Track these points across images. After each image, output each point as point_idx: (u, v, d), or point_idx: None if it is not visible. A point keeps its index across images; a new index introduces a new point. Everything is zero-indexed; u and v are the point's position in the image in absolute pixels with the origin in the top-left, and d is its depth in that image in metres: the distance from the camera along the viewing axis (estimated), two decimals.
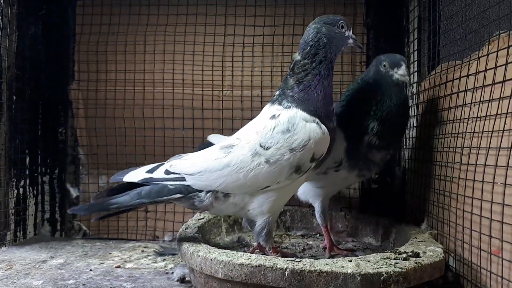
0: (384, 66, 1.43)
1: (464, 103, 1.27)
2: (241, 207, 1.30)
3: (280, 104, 1.29)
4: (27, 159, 1.89)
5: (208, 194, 1.27)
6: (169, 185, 1.27)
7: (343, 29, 1.30)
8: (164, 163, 1.32)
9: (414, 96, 1.72)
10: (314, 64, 1.27)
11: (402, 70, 1.40)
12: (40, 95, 1.96)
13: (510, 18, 1.09)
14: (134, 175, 1.30)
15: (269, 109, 1.31)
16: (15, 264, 1.50)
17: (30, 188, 1.91)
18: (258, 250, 1.38)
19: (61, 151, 2.01)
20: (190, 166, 1.27)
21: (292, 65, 1.31)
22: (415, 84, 1.73)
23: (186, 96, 1.97)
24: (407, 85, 1.47)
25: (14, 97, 1.80)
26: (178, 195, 1.28)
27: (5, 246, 1.74)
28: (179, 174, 1.27)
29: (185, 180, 1.26)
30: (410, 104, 1.76)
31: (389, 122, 1.42)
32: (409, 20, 1.81)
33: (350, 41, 1.33)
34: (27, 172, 1.89)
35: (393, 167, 1.87)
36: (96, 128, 1.99)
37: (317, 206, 1.56)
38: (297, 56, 1.31)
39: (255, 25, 1.97)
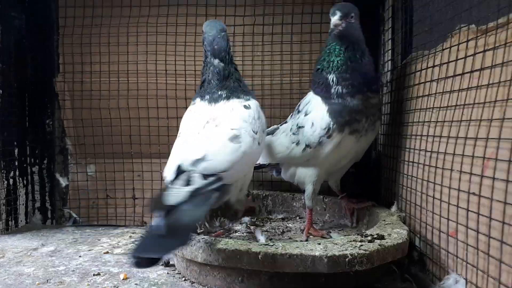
0: (330, 18, 1.50)
1: (429, 93, 1.34)
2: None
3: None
4: (16, 151, 1.95)
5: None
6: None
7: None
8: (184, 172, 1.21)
9: (388, 84, 1.79)
10: None
11: (333, 19, 1.46)
12: (27, 88, 2.00)
13: (470, 13, 1.15)
14: (176, 195, 1.12)
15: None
16: (7, 253, 1.58)
17: (20, 179, 1.97)
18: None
19: (49, 142, 2.07)
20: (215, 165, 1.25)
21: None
22: (389, 72, 1.79)
23: (169, 86, 2.02)
24: (342, 34, 1.47)
25: (1, 91, 1.85)
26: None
27: None
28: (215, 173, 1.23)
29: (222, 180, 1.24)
30: (385, 92, 1.82)
31: (343, 68, 1.47)
32: (385, 9, 1.86)
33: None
34: (16, 163, 1.95)
35: (369, 151, 1.94)
36: (83, 119, 2.04)
37: (308, 187, 1.60)
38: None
39: (235, 15, 2.01)
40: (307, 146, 1.52)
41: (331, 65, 1.49)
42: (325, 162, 1.56)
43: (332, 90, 1.48)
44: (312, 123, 1.51)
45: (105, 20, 2.02)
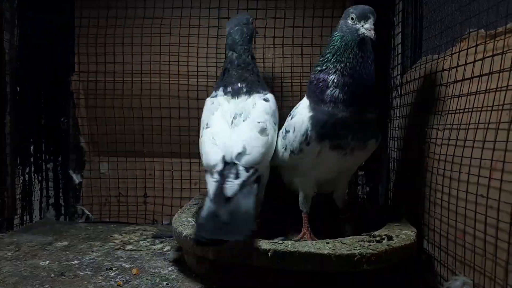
0: (352, 18, 1.36)
1: (438, 97, 1.36)
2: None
3: None
4: (32, 147, 2.00)
5: None
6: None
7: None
8: (230, 165, 1.32)
9: (398, 87, 1.80)
10: None
11: (369, 24, 1.33)
12: (43, 87, 2.05)
13: (479, 18, 1.17)
14: (232, 187, 1.26)
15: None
16: (22, 246, 1.62)
17: (35, 175, 2.02)
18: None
19: (63, 139, 2.11)
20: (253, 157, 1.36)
21: None
22: (399, 76, 1.81)
23: (181, 87, 2.06)
24: (370, 41, 1.36)
25: (18, 89, 1.90)
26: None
27: (13, 230, 1.85)
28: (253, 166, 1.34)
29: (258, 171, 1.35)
30: (394, 95, 1.84)
31: (351, 74, 1.33)
32: (394, 14, 1.88)
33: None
34: (32, 159, 2.00)
35: (380, 154, 1.96)
36: (97, 117, 2.09)
37: (300, 194, 1.53)
38: None
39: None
40: (291, 152, 1.43)
41: (336, 66, 1.34)
42: (311, 171, 1.45)
43: (328, 92, 1.32)
44: (294, 128, 1.40)
45: (120, 21, 2.06)
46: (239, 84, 1.56)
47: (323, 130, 1.33)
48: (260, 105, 1.51)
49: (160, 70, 2.07)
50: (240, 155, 1.33)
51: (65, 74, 2.09)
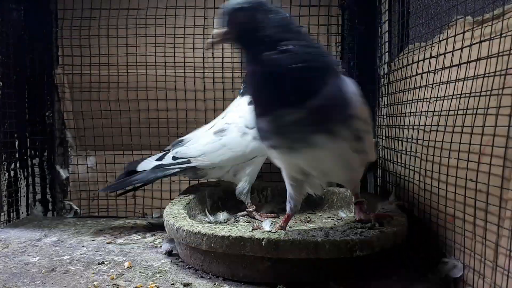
0: None
1: (426, 83, 1.37)
2: (233, 174, 1.70)
3: None
4: (16, 143, 1.96)
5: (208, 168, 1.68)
6: (177, 167, 1.66)
7: None
8: (168, 151, 1.70)
9: (385, 76, 1.82)
10: None
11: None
12: (26, 80, 2.01)
13: (466, 5, 1.18)
14: (147, 164, 1.67)
15: (243, 98, 1.69)
16: (11, 243, 1.59)
17: (21, 171, 1.99)
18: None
19: (49, 134, 2.08)
20: (194, 151, 1.65)
21: None
22: (386, 64, 1.82)
23: (168, 78, 2.04)
24: None
25: (0, 83, 1.85)
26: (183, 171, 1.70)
27: (0, 227, 1.82)
28: (186, 158, 1.65)
29: (191, 162, 1.65)
30: (382, 84, 1.86)
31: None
32: (381, 1, 1.88)
33: None
34: (17, 155, 1.96)
35: None
36: (83, 111, 2.06)
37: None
38: None
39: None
40: None
41: None
42: None
43: None
44: None
45: (104, 12, 2.03)
46: (242, 86, 1.80)
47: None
48: (239, 107, 1.68)
49: (146, 62, 2.04)
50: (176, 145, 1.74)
51: (49, 67, 2.05)
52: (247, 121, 1.60)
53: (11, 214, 1.92)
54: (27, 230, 1.79)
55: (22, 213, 2.00)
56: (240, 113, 1.66)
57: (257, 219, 1.67)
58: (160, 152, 1.73)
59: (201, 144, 1.67)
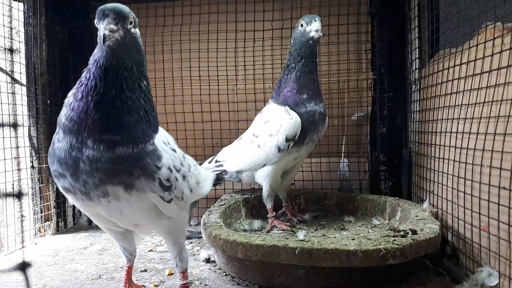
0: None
1: (458, 90, 1.37)
2: (254, 179, 1.73)
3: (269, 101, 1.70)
4: None
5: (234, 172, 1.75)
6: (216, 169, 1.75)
7: (303, 27, 1.57)
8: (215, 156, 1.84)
9: (417, 82, 1.81)
10: (288, 62, 1.63)
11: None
12: None
13: (495, 11, 1.18)
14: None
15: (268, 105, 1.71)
16: (60, 252, 1.70)
17: None
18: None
19: None
20: (223, 155, 1.78)
21: None
22: (417, 70, 1.82)
23: (203, 91, 2.12)
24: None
25: (48, 101, 1.99)
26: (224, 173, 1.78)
27: (50, 236, 1.95)
28: (220, 162, 1.77)
29: (223, 166, 1.75)
30: (413, 90, 1.85)
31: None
32: (410, 8, 1.88)
33: (312, 34, 1.54)
34: None
35: (400, 149, 1.98)
36: None
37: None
38: None
39: (264, 20, 2.08)
40: None
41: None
42: None
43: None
44: None
45: (141, 30, 2.10)
46: None
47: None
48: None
49: (182, 76, 2.13)
50: None
51: None
52: (254, 129, 1.69)
53: (59, 224, 2.05)
54: (74, 239, 1.90)
55: (69, 222, 2.12)
56: (256, 120, 1.73)
57: (274, 226, 1.67)
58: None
59: (228, 149, 1.79)
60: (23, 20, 1.88)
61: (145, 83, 1.04)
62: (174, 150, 1.12)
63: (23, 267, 0.54)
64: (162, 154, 1.03)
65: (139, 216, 1.07)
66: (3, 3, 1.71)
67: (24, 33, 1.89)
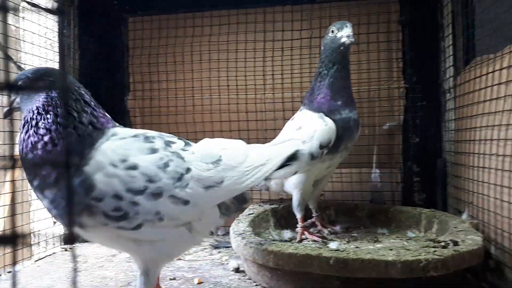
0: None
1: (497, 96, 1.32)
2: (283, 187, 1.67)
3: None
4: None
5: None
6: None
7: (334, 33, 1.55)
8: None
9: (451, 90, 1.76)
10: (319, 69, 1.60)
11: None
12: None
13: None
14: None
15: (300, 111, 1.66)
16: (90, 258, 1.70)
17: None
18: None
19: None
20: None
21: None
22: (451, 78, 1.77)
23: (231, 101, 2.12)
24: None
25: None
26: None
27: (79, 243, 1.95)
28: None
29: None
30: (447, 98, 1.80)
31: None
32: (443, 15, 1.84)
33: (343, 39, 1.53)
34: None
35: (435, 159, 1.91)
36: None
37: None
38: None
39: (292, 30, 2.07)
40: None
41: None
42: None
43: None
44: None
45: (171, 41, 2.16)
46: None
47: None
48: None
49: (210, 86, 2.13)
50: None
51: (121, 94, 2.20)
52: (286, 136, 1.61)
53: None
54: (103, 246, 1.90)
55: None
56: (287, 127, 1.68)
57: (304, 237, 1.63)
58: None
59: None
60: (57, 31, 1.93)
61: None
62: (134, 167, 0.96)
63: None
64: (96, 183, 0.91)
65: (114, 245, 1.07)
66: (39, 14, 1.75)
67: (58, 43, 1.93)
